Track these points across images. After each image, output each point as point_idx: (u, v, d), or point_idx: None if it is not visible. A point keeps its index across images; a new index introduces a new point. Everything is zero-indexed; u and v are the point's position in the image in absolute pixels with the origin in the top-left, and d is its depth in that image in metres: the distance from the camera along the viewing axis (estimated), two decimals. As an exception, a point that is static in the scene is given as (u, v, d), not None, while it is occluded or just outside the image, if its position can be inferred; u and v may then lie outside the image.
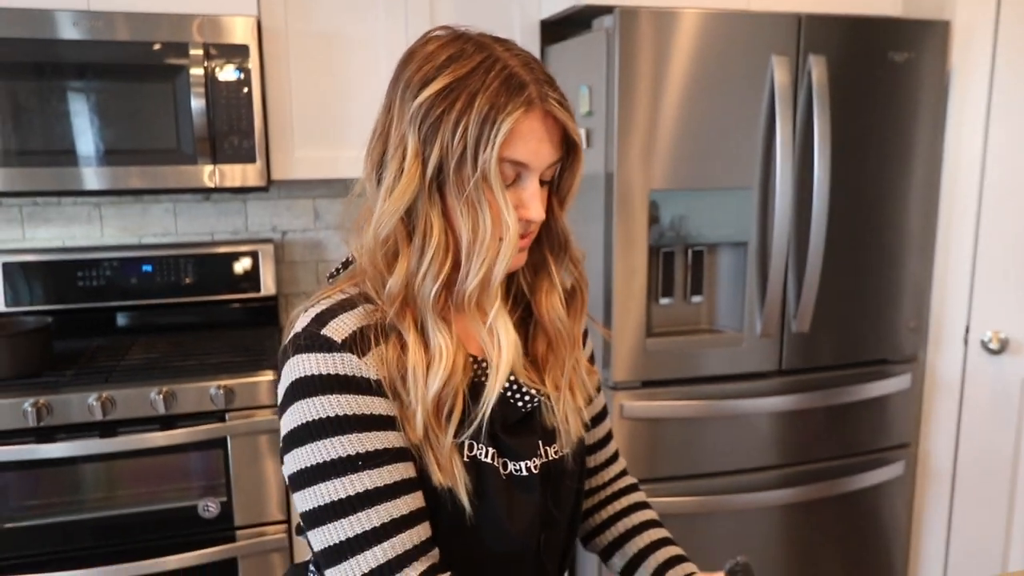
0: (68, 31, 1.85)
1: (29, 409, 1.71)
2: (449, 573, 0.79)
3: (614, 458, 1.12)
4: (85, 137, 1.89)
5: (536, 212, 0.82)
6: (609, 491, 1.09)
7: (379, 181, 0.82)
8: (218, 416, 1.85)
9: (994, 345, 2.07)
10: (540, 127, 0.80)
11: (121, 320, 2.28)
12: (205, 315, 2.33)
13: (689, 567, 1.03)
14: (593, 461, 1.07)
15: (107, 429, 1.78)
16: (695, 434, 1.97)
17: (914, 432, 2.19)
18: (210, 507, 1.87)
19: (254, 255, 2.33)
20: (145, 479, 1.84)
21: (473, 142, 0.76)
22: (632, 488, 1.11)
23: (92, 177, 1.92)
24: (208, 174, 1.98)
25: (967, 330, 2.11)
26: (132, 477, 1.83)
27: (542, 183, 0.85)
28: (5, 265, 2.16)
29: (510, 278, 0.93)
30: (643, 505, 1.09)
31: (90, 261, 2.22)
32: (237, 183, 2.02)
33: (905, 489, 2.20)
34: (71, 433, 1.76)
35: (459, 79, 0.77)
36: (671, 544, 1.05)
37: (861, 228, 2.02)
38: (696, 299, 2.02)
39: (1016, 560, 2.13)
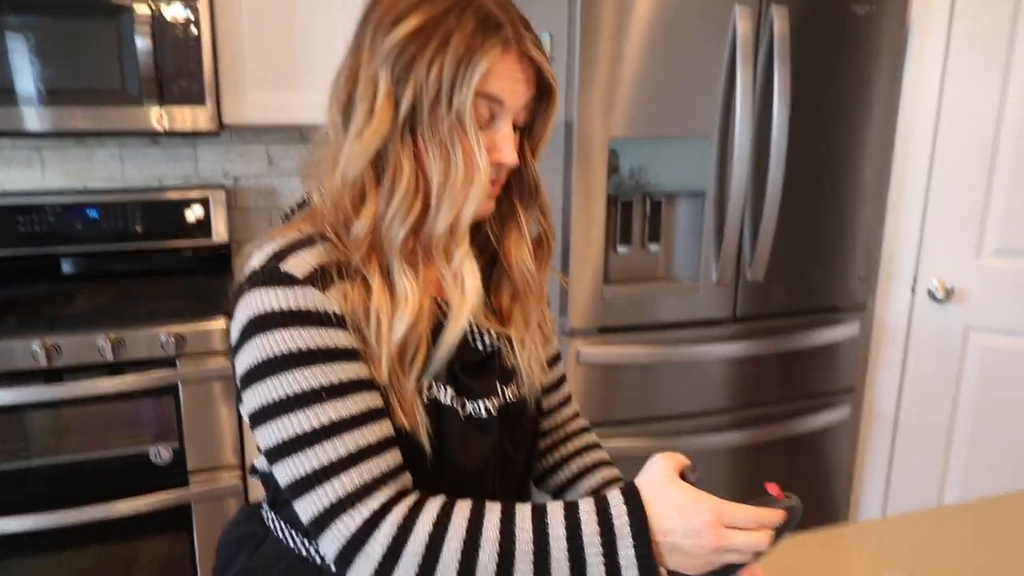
0: None
1: None
2: (418, 495, 0.77)
3: (567, 401, 1.12)
4: (24, 76, 1.80)
5: (509, 155, 0.82)
6: (562, 433, 1.10)
7: (346, 123, 0.80)
8: (169, 363, 1.83)
9: (940, 294, 2.10)
10: (516, 68, 0.79)
11: (66, 267, 2.22)
12: (155, 263, 2.28)
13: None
14: (547, 403, 1.07)
15: (52, 376, 1.75)
16: (650, 379, 1.99)
17: (860, 377, 2.24)
18: (162, 453, 1.86)
19: (205, 202, 2.28)
20: (94, 426, 1.81)
21: (448, 82, 0.75)
22: (584, 431, 1.12)
23: (33, 118, 1.84)
24: (156, 117, 1.92)
25: (915, 279, 2.15)
26: (81, 425, 1.80)
27: (515, 129, 0.84)
28: None
29: (476, 226, 0.91)
30: (595, 447, 1.10)
31: (31, 206, 2.14)
32: (188, 127, 1.96)
33: (849, 431, 2.26)
34: (15, 380, 1.72)
35: (433, 18, 0.75)
36: (613, 472, 1.06)
37: (817, 179, 2.02)
38: (654, 248, 2.03)
39: (951, 496, 2.19)
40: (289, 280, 0.77)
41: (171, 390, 1.83)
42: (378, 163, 0.80)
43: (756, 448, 2.11)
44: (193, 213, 2.25)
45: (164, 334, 1.79)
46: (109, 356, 1.76)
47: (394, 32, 0.76)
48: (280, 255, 0.78)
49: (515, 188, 0.91)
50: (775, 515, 0.73)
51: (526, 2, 2.01)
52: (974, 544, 1.11)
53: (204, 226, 2.26)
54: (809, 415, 2.15)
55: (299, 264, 0.78)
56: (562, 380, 1.12)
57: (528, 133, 0.88)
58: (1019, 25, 1.92)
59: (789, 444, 2.15)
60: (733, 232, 1.93)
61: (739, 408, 2.08)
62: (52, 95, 1.82)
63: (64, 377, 1.74)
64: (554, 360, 1.09)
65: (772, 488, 0.76)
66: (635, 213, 1.98)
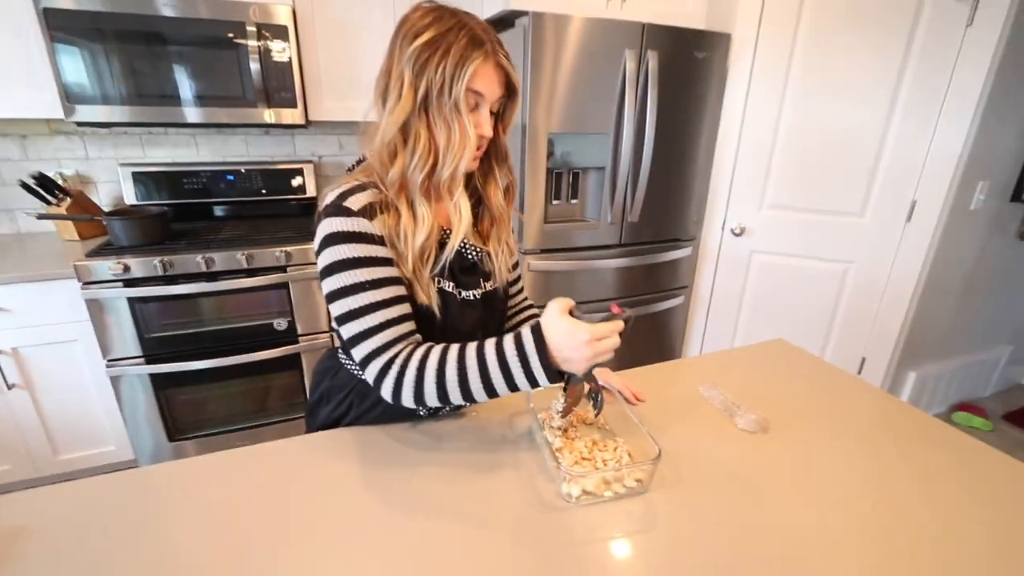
0: (163, 10, 1.68)
1: (158, 264, 1.68)
2: (416, 345, 0.76)
3: (521, 289, 1.08)
4: (183, 86, 1.78)
5: (487, 130, 0.79)
6: (518, 307, 1.06)
7: (383, 104, 0.76)
8: (282, 269, 1.84)
9: (737, 231, 2.16)
10: (493, 72, 0.75)
11: (216, 212, 2.21)
12: (271, 209, 2.27)
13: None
14: (511, 291, 1.04)
15: (211, 277, 1.76)
16: (572, 280, 2.03)
17: (691, 279, 2.30)
18: (281, 323, 1.89)
19: (300, 171, 2.26)
20: (239, 308, 1.83)
21: (449, 78, 0.72)
22: (531, 306, 1.08)
23: (191, 114, 1.82)
24: (267, 115, 1.88)
25: (724, 222, 2.19)
26: (231, 306, 1.82)
27: (491, 114, 0.80)
28: (134, 174, 2.04)
29: (468, 177, 0.88)
30: (537, 312, 1.06)
31: (191, 172, 2.12)
32: (286, 122, 1.92)
33: (683, 311, 2.34)
34: (188, 279, 1.74)
35: (440, 34, 0.72)
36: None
37: (671, 160, 2.03)
38: (574, 201, 2.04)
39: (739, 343, 2.30)
40: (348, 212, 0.74)
41: (284, 285, 1.84)
42: (404, 131, 0.76)
43: (633, 321, 2.23)
44: (293, 178, 2.25)
45: (279, 251, 1.81)
46: (245, 265, 1.78)
47: (414, 43, 0.72)
48: (343, 195, 0.76)
49: (493, 153, 0.87)
50: (619, 325, 0.72)
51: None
52: (750, 370, 1.13)
53: (301, 187, 2.25)
54: (663, 301, 2.23)
55: (355, 201, 0.75)
56: (519, 278, 1.07)
57: (501, 118, 0.83)
58: (790, 73, 1.94)
59: (648, 318, 2.22)
60: (620, 192, 1.97)
61: (617, 298, 2.12)
62: (201, 99, 1.80)
63: (218, 278, 1.76)
64: (515, 266, 1.04)
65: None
66: (563, 180, 1.98)
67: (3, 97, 1.66)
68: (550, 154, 1.88)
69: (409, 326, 0.78)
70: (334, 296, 0.75)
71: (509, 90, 0.80)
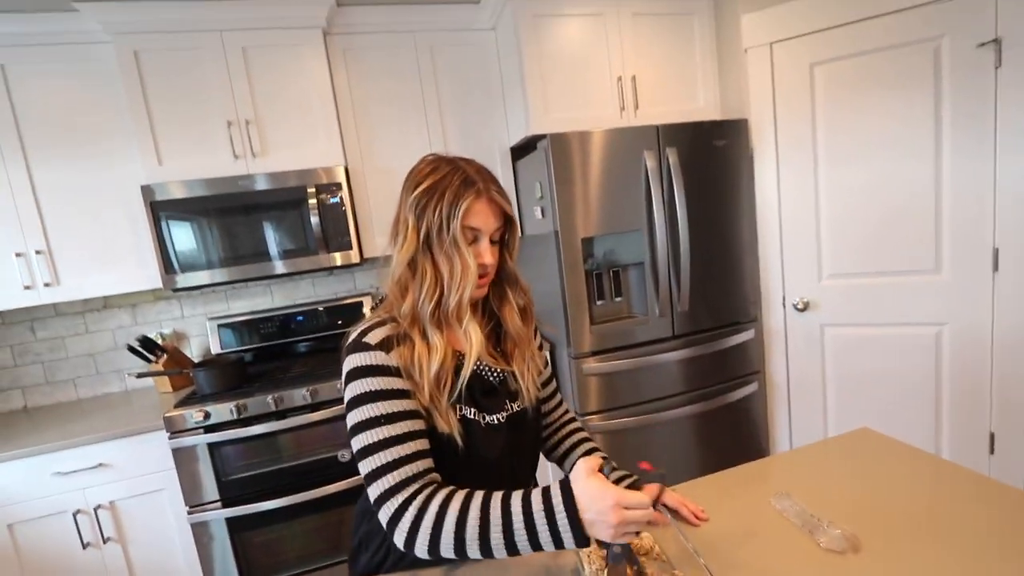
0: (241, 186, 1.94)
1: (233, 408, 1.78)
2: (434, 487, 0.73)
3: (560, 404, 1.06)
4: (258, 245, 1.95)
5: (488, 258, 0.81)
6: (558, 424, 1.04)
7: (394, 246, 0.82)
8: (340, 401, 1.76)
9: (800, 306, 2.07)
10: (486, 208, 0.79)
11: (289, 350, 2.32)
12: (336, 342, 2.32)
13: (596, 452, 0.98)
14: (546, 407, 1.03)
15: (280, 415, 1.83)
16: (627, 379, 1.98)
17: (761, 363, 2.19)
18: (345, 455, 1.90)
19: (360, 304, 2.36)
20: (307, 443, 1.87)
21: (446, 218, 0.77)
22: (572, 420, 1.06)
23: (267, 268, 1.97)
24: (328, 259, 2.02)
25: (784, 299, 2.11)
26: (299, 443, 1.86)
27: (493, 242, 0.83)
28: (219, 325, 2.25)
29: (485, 302, 0.90)
30: (579, 429, 1.04)
31: (267, 318, 2.28)
32: (344, 263, 2.05)
33: (760, 398, 2.19)
34: (259, 420, 1.81)
35: (436, 182, 0.78)
36: (591, 444, 1.02)
37: (712, 245, 2.02)
38: (618, 299, 2.04)
39: (832, 432, 2.12)
40: (366, 346, 0.76)
41: (343, 416, 1.87)
42: (412, 267, 0.80)
43: (701, 416, 2.07)
44: (355, 310, 2.32)
45: (338, 383, 1.84)
46: (309, 400, 1.83)
47: (415, 191, 0.79)
48: (364, 332, 0.79)
49: (504, 278, 0.89)
50: (654, 490, 0.68)
51: (527, 166, 2.18)
52: (830, 470, 0.99)
53: (362, 317, 2.29)
54: (732, 391, 2.11)
55: (373, 336, 0.78)
56: (556, 391, 1.04)
57: (506, 244, 0.86)
58: (816, 142, 1.93)
59: (723, 410, 2.11)
60: (664, 284, 1.96)
61: (685, 392, 2.04)
62: (276, 255, 1.96)
63: (286, 415, 1.81)
64: (548, 381, 1.02)
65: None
66: (604, 279, 2.00)
67: (120, 277, 1.97)
68: (587, 256, 1.93)
69: (425, 464, 0.76)
70: (353, 431, 0.76)
71: (508, 219, 0.84)
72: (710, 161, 1.99)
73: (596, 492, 0.65)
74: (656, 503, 0.68)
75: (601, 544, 0.69)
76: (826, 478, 0.97)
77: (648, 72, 2.10)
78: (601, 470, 0.68)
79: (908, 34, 1.77)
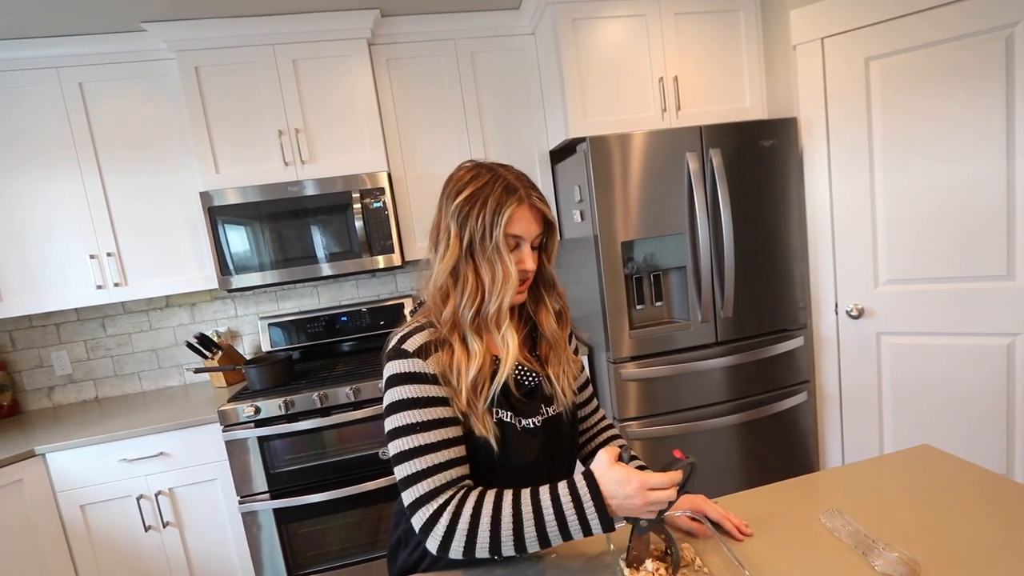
0: (290, 192, 2.04)
1: (281, 404, 1.86)
2: (466, 492, 0.74)
3: (596, 409, 1.06)
4: (307, 248, 2.03)
5: (530, 264, 0.82)
6: (594, 429, 1.05)
7: (435, 253, 0.83)
8: (380, 400, 1.88)
9: (854, 313, 1.99)
10: (527, 214, 0.80)
11: (334, 349, 2.40)
12: (378, 342, 2.40)
13: (615, 439, 1.00)
14: (582, 412, 1.03)
15: (324, 412, 1.90)
16: (667, 386, 1.96)
17: (811, 372, 2.11)
18: (386, 452, 1.92)
19: (401, 305, 2.43)
20: (350, 440, 1.91)
21: (489, 225, 0.77)
22: (609, 427, 1.06)
23: (315, 270, 2.05)
24: (370, 262, 2.09)
25: (836, 305, 2.04)
26: (343, 439, 1.90)
27: (534, 248, 0.84)
28: (269, 325, 2.36)
29: (522, 307, 0.92)
30: (617, 436, 1.05)
31: (313, 318, 2.36)
32: (387, 265, 2.11)
33: (810, 409, 2.12)
34: (305, 416, 1.89)
35: (477, 189, 0.79)
36: (620, 441, 1.02)
37: (758, 249, 1.98)
38: (659, 304, 2.02)
39: (888, 448, 2.02)
40: (405, 354, 0.77)
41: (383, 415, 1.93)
42: (454, 275, 0.80)
43: (746, 426, 2.02)
44: (397, 311, 2.40)
45: (379, 383, 1.77)
46: (352, 398, 1.89)
47: (456, 199, 0.79)
48: (403, 338, 0.80)
49: (541, 283, 0.90)
50: (677, 475, 0.70)
51: (565, 170, 2.21)
52: (886, 489, 0.94)
53: (403, 317, 2.35)
54: (780, 400, 2.04)
55: (412, 343, 0.79)
56: (592, 396, 1.04)
57: (544, 249, 0.87)
58: (872, 142, 1.86)
59: (769, 420, 2.04)
60: (707, 288, 1.93)
61: (729, 400, 2.00)
62: (323, 257, 2.04)
63: (330, 412, 1.88)
64: (584, 385, 1.02)
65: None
66: (644, 284, 1.98)
67: (181, 278, 2.12)
68: (627, 260, 1.92)
69: (460, 471, 0.77)
70: (390, 437, 0.77)
71: (548, 225, 0.85)
72: (756, 162, 1.94)
73: (621, 478, 0.69)
74: (682, 487, 0.71)
75: (628, 519, 0.73)
76: (882, 497, 0.91)
77: (691, 72, 2.07)
78: (620, 458, 0.72)
79: (976, 23, 1.67)
